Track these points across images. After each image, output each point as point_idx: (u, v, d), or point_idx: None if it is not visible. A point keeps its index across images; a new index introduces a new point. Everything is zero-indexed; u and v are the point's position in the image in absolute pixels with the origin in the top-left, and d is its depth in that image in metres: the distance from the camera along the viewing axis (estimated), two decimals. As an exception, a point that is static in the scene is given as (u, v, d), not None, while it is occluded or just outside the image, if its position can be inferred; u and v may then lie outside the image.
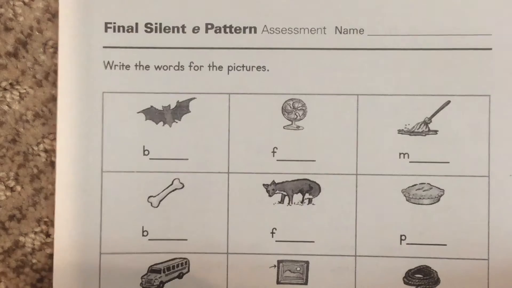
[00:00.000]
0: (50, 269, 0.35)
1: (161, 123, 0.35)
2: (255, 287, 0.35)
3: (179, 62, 0.35)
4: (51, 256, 0.35)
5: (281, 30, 0.35)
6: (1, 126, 0.36)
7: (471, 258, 0.34)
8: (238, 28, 0.35)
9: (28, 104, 0.35)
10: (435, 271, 0.34)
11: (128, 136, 0.35)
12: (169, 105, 0.35)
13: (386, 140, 0.35)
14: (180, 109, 0.35)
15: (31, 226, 0.35)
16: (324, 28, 0.35)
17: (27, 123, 0.35)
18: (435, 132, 0.34)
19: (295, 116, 0.35)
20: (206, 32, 0.35)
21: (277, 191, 0.35)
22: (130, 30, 0.35)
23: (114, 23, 0.35)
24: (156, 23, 0.35)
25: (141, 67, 0.35)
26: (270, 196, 0.35)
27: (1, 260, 0.36)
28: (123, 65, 0.35)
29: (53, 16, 0.35)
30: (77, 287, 0.34)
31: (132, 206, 0.35)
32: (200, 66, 0.35)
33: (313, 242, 0.35)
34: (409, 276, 0.34)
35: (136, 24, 0.35)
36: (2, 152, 0.36)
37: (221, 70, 0.35)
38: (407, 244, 0.34)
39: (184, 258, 0.35)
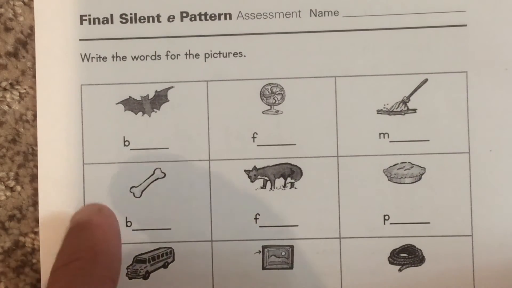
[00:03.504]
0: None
1: (140, 113, 0.35)
2: (240, 273, 0.35)
3: (155, 52, 0.35)
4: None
5: (256, 15, 0.35)
6: (1, 126, 0.36)
7: (455, 235, 0.34)
8: (213, 15, 0.35)
9: (28, 104, 0.35)
10: (420, 250, 0.34)
11: (107, 128, 0.35)
12: (148, 95, 0.35)
13: (366, 121, 0.34)
14: (159, 99, 0.35)
15: (31, 226, 0.35)
16: (299, 11, 0.35)
17: (27, 123, 0.35)
18: (414, 110, 0.34)
19: (274, 101, 0.35)
20: (182, 20, 0.35)
21: (259, 177, 0.35)
22: (105, 22, 0.35)
23: (89, 15, 0.35)
24: (131, 14, 0.35)
25: (118, 58, 0.35)
26: (252, 181, 0.35)
27: (1, 260, 0.36)
28: (100, 57, 0.35)
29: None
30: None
31: (115, 197, 0.35)
32: (177, 55, 0.35)
33: (297, 226, 0.35)
34: (394, 256, 0.34)
35: (111, 15, 0.35)
36: (2, 152, 0.36)
37: (198, 57, 0.35)
38: (390, 224, 0.34)
39: (169, 247, 0.35)
